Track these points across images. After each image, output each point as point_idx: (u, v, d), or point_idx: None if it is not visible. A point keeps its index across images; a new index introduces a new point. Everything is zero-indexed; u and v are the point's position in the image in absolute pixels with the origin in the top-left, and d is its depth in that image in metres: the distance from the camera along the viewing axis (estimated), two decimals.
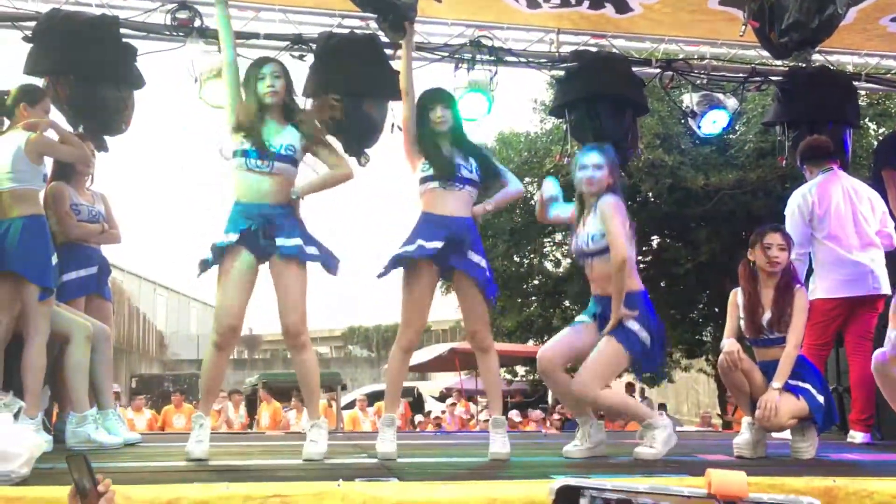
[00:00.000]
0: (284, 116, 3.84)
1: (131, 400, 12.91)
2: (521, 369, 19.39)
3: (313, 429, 3.79)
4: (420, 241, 3.78)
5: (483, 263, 3.91)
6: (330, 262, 3.80)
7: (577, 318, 4.14)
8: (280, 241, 3.67)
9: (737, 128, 10.82)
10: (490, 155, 4.15)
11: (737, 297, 4.14)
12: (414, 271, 3.82)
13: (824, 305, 4.89)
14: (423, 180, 3.91)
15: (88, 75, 5.16)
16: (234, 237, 3.63)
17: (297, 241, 3.71)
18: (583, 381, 3.87)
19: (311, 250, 3.73)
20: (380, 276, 3.85)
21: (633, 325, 3.86)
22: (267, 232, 3.66)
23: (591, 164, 3.99)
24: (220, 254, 3.64)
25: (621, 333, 3.84)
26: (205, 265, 3.70)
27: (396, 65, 5.71)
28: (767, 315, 4.02)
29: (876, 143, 10.99)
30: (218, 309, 3.70)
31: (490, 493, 2.88)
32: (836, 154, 5.34)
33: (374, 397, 15.19)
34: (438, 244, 3.76)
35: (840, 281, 4.90)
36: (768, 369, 4.00)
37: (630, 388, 15.11)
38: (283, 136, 3.77)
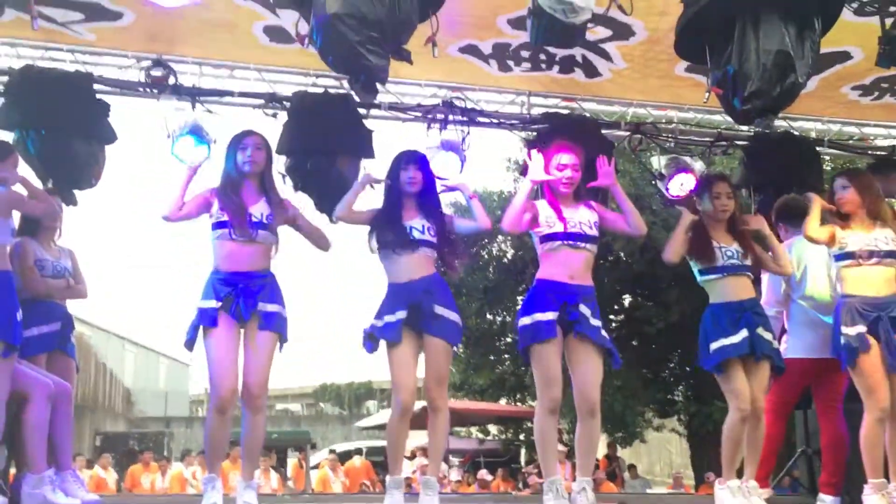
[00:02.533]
0: (260, 187, 4.04)
1: (98, 457, 12.58)
2: (493, 428, 19.21)
3: (247, 490, 3.84)
4: (386, 317, 3.90)
5: (453, 316, 3.97)
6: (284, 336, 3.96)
7: (543, 321, 3.92)
8: (261, 306, 3.84)
9: None
10: (452, 222, 4.19)
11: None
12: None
13: (796, 365, 4.91)
14: (380, 247, 4.03)
15: (59, 130, 5.15)
16: (216, 304, 3.80)
17: (277, 307, 3.89)
18: (597, 397, 3.98)
19: (286, 316, 3.93)
20: (370, 350, 3.97)
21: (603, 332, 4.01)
22: (248, 297, 3.81)
23: (570, 163, 4.12)
24: (206, 322, 3.78)
25: (602, 340, 3.99)
26: (191, 340, 3.85)
27: (370, 123, 5.80)
28: (733, 247, 4.24)
29: None
30: (213, 377, 3.80)
31: None
32: None
33: (344, 456, 14.93)
34: (402, 314, 3.87)
35: (813, 341, 4.93)
36: (744, 309, 4.15)
37: (612, 447, 15.01)
38: (261, 206, 3.95)
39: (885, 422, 4.16)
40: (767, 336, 4.25)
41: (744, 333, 4.13)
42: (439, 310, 3.92)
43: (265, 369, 3.86)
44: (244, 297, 3.80)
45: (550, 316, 3.92)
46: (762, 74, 4.02)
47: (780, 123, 6.30)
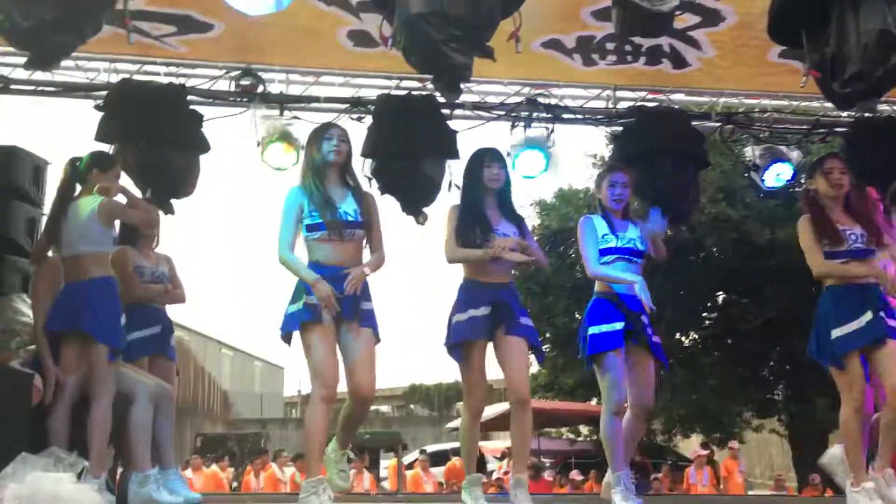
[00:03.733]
0: (343, 179, 4.01)
1: (200, 458, 13.00)
2: (584, 428, 18.94)
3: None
4: (470, 311, 3.94)
5: (531, 324, 4.04)
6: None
7: (609, 331, 4.10)
8: (363, 305, 3.83)
9: (803, 180, 10.59)
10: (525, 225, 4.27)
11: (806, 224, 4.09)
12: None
13: None
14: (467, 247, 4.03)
15: (156, 141, 5.32)
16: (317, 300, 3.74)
17: (372, 306, 3.89)
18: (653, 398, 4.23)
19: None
20: (451, 352, 4.02)
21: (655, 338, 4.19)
22: (351, 295, 3.77)
23: (619, 182, 4.34)
24: (309, 315, 3.74)
25: (659, 351, 4.20)
26: (289, 330, 3.82)
27: (454, 124, 5.79)
28: (856, 230, 3.99)
29: None
30: (318, 366, 3.75)
31: None
32: None
33: (435, 457, 14.99)
34: (486, 311, 3.93)
35: None
36: (869, 292, 3.89)
37: (706, 447, 14.60)
38: (348, 203, 3.92)
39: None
40: (893, 322, 3.93)
41: (868, 316, 3.86)
42: (522, 318, 4.01)
43: (374, 366, 3.84)
44: (344, 296, 3.76)
45: (619, 326, 4.12)
46: (863, 55, 3.82)
47: (883, 108, 6.00)
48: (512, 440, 4.10)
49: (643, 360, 4.16)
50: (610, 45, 5.37)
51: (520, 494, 3.87)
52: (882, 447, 3.90)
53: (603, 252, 4.21)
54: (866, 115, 5.81)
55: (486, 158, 4.12)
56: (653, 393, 4.22)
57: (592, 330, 4.15)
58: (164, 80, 5.58)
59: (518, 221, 4.18)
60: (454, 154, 5.65)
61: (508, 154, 5.47)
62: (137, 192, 4.93)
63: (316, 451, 3.79)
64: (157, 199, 5.21)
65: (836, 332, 3.90)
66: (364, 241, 3.95)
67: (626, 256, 4.20)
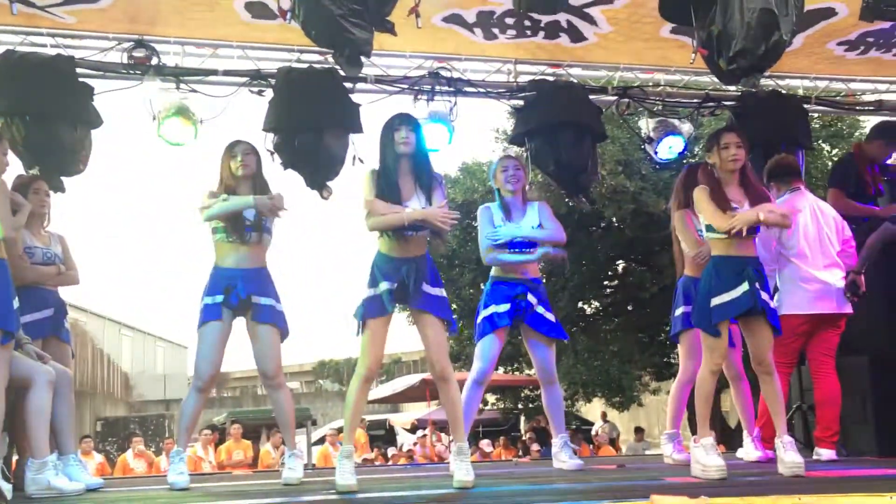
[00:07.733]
0: (254, 189, 4.38)
1: (97, 443, 12.61)
2: (491, 397, 19.31)
3: (291, 457, 4.40)
4: (370, 289, 3.94)
5: (442, 293, 3.96)
6: (284, 325, 4.38)
7: (493, 316, 4.75)
8: (255, 300, 4.28)
9: (695, 152, 10.99)
10: (443, 185, 4.11)
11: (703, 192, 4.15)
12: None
13: (791, 321, 4.90)
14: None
15: (44, 116, 5.11)
16: (219, 298, 4.26)
17: (271, 300, 4.32)
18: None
19: (280, 308, 4.36)
20: (358, 333, 4.04)
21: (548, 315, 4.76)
22: (244, 292, 4.26)
23: (511, 166, 4.80)
24: (207, 313, 4.26)
25: (547, 327, 4.74)
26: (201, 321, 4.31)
27: (356, 97, 5.76)
28: (745, 206, 4.07)
29: (830, 163, 11.24)
30: (198, 360, 4.29)
31: None
32: (801, 173, 5.44)
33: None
34: (388, 286, 3.89)
35: (807, 298, 4.94)
36: (747, 265, 4.06)
37: (604, 416, 15.14)
38: (249, 212, 4.32)
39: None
40: (765, 296, 4.12)
41: (745, 287, 4.02)
42: (427, 287, 3.92)
43: (275, 354, 4.34)
44: (241, 292, 4.24)
45: (504, 308, 4.72)
46: (747, 33, 4.01)
47: (767, 82, 6.29)
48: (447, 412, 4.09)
49: (534, 337, 4.78)
50: (509, 20, 5.44)
51: (456, 461, 3.89)
52: (772, 414, 4.14)
53: (496, 246, 4.71)
54: (752, 89, 6.08)
55: (395, 122, 3.96)
56: (546, 365, 4.82)
57: (482, 313, 4.78)
58: (52, 51, 5.34)
59: (429, 191, 3.98)
60: (357, 128, 5.63)
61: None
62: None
63: (183, 430, 4.47)
64: (47, 176, 5.00)
65: (714, 301, 4.09)
66: (269, 243, 4.42)
67: (517, 250, 4.72)
